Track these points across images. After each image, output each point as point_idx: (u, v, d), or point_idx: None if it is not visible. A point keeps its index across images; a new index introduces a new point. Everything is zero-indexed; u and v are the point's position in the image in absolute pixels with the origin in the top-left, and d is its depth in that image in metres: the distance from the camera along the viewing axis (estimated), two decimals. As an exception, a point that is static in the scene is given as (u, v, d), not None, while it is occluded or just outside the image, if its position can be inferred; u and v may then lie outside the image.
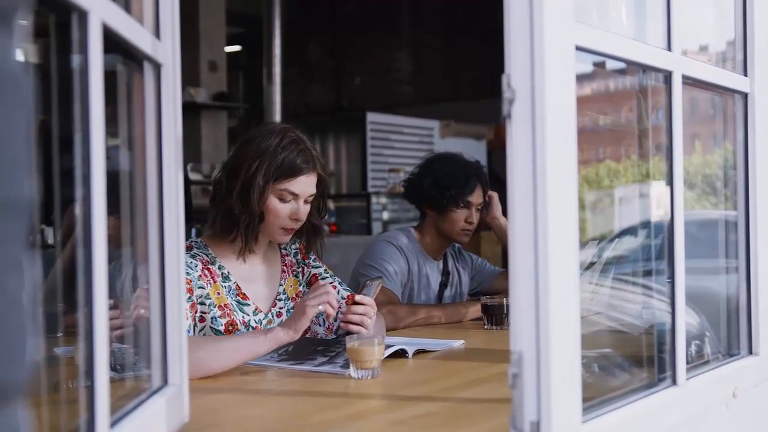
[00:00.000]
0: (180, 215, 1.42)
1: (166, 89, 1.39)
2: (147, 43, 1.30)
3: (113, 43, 1.13)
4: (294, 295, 2.41)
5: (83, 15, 1.01)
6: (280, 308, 2.36)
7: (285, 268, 2.42)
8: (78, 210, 1.03)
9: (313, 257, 2.48)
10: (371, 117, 8.46)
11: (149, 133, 1.37)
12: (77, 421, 1.07)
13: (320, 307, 2.02)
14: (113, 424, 1.10)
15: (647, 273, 1.99)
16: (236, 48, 9.87)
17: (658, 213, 2.03)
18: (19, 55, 0.55)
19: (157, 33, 1.37)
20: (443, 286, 3.19)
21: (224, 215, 2.25)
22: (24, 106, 0.53)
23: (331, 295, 2.05)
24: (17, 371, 0.54)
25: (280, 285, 2.39)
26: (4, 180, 0.51)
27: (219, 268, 2.26)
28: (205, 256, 2.25)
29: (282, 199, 2.24)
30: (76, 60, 1.03)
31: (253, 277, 2.33)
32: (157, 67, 1.37)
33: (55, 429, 1.19)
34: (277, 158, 2.21)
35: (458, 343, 2.41)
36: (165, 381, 1.39)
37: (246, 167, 2.20)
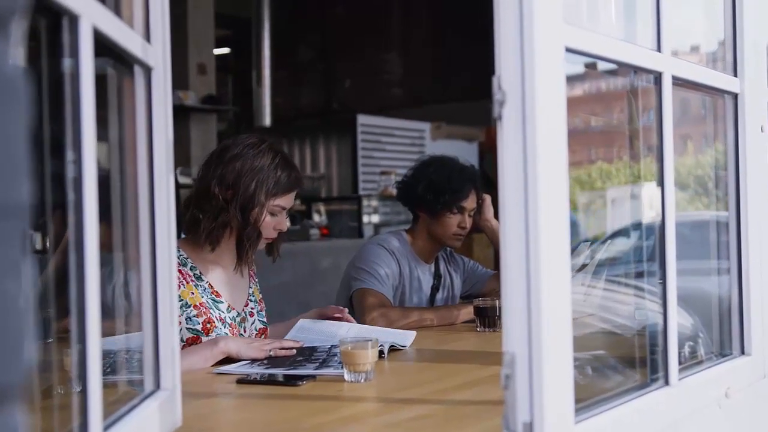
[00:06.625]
0: (171, 219, 1.42)
1: (156, 93, 1.38)
2: (137, 47, 1.30)
3: (103, 46, 1.13)
4: (258, 300, 2.53)
5: (74, 19, 1.01)
6: (251, 309, 2.48)
7: (252, 273, 2.55)
8: (70, 215, 1.02)
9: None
10: (362, 119, 8.44)
11: (140, 137, 1.37)
12: (69, 426, 1.06)
13: (272, 353, 2.18)
14: (106, 428, 1.10)
15: (640, 274, 1.99)
16: (225, 50, 9.85)
17: (650, 214, 2.03)
18: (17, 59, 0.54)
19: (147, 36, 1.37)
20: (435, 289, 3.18)
21: (221, 227, 2.32)
22: (22, 110, 0.53)
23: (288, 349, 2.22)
24: (15, 374, 0.55)
25: (250, 287, 2.51)
26: (3, 183, 0.51)
27: (191, 269, 2.34)
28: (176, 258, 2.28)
29: (272, 214, 2.36)
30: (66, 64, 1.03)
31: (226, 279, 2.42)
32: (147, 70, 1.36)
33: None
34: (275, 176, 2.33)
35: (411, 335, 2.43)
36: (157, 385, 1.39)
37: (243, 184, 2.30)
